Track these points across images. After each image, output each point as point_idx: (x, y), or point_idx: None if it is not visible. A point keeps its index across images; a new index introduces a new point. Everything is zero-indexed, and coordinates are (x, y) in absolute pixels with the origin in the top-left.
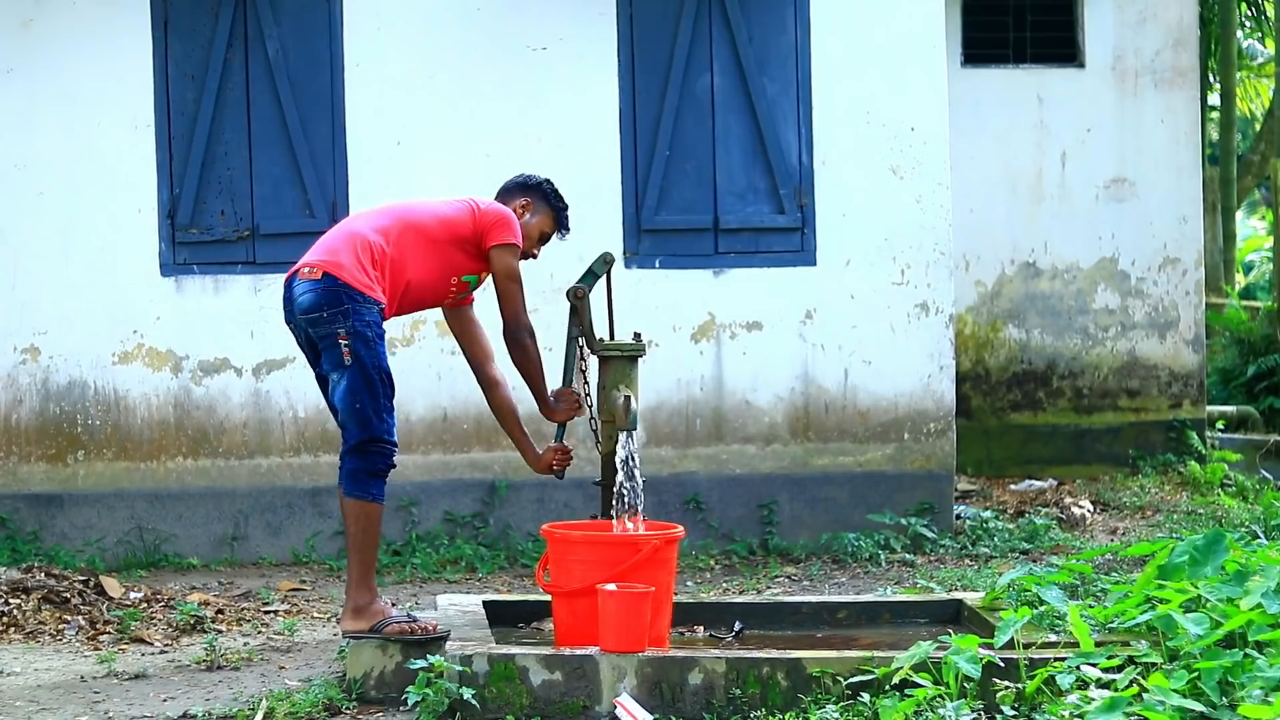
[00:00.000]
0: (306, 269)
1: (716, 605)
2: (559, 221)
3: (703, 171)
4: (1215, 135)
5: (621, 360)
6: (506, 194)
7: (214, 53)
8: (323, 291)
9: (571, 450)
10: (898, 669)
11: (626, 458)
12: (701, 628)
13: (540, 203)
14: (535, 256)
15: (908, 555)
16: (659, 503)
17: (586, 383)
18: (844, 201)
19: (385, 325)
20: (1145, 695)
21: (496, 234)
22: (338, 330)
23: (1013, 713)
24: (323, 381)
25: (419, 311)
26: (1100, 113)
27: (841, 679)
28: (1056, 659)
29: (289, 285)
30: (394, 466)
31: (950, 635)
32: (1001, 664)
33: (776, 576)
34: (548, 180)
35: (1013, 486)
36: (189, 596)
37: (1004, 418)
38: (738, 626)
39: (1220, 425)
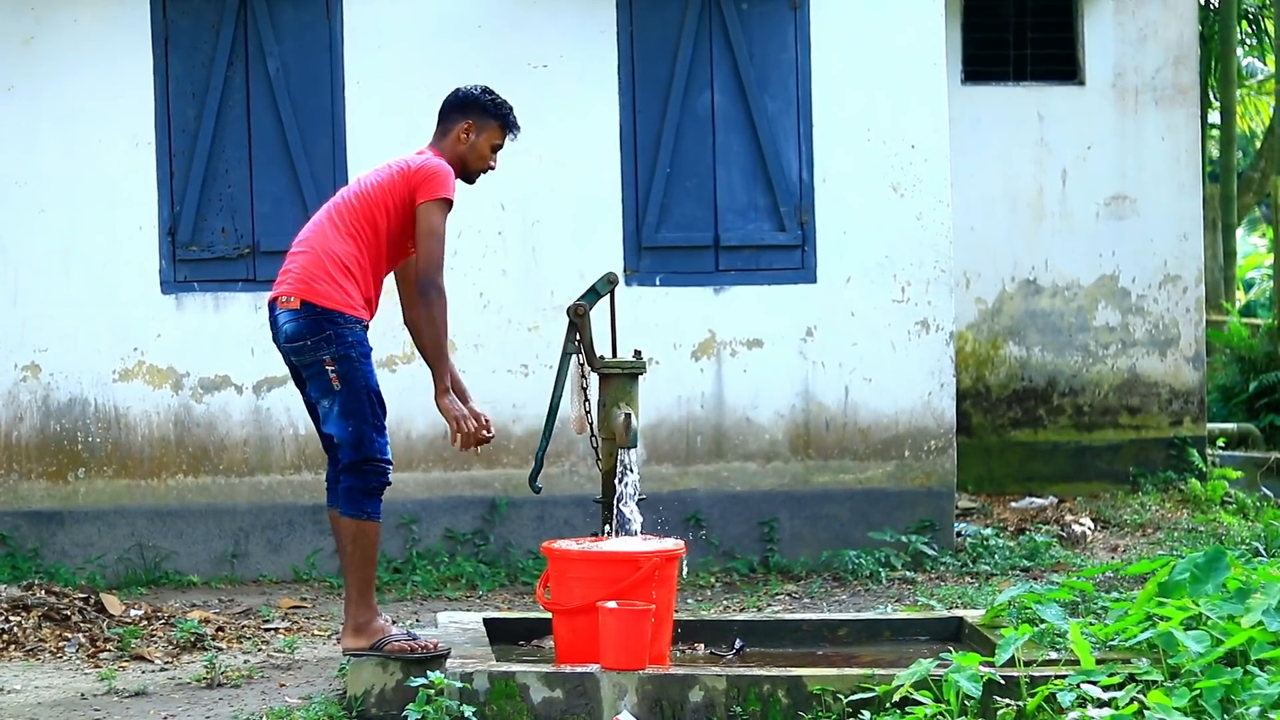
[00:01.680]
0: (284, 298)
1: (717, 623)
2: (506, 126)
3: (703, 189)
4: (1215, 152)
5: (622, 378)
6: (447, 120)
7: (215, 70)
8: (303, 320)
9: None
10: (898, 687)
11: (626, 475)
12: (702, 645)
13: (482, 118)
14: (493, 168)
15: (908, 573)
16: (659, 520)
17: (588, 400)
18: (844, 219)
19: (375, 341)
20: (1146, 713)
21: (425, 191)
22: (323, 357)
23: None
24: (311, 406)
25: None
26: (1101, 130)
27: (842, 697)
28: (1057, 677)
29: (271, 311)
30: (389, 484)
31: (951, 653)
32: (1002, 682)
33: (777, 594)
34: (485, 90)
35: (1013, 504)
36: (189, 614)
37: (1004, 435)
38: (738, 644)
39: (1221, 443)
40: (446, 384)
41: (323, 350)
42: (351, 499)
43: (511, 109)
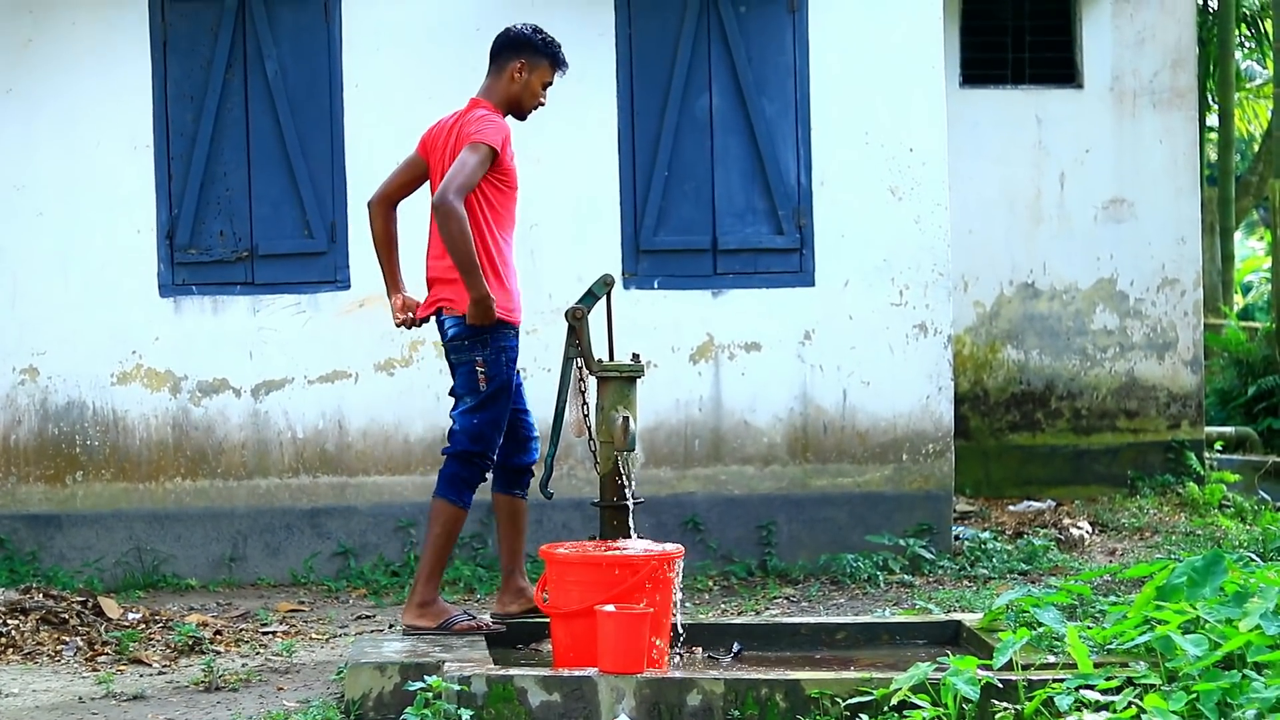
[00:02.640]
0: (449, 306)
1: (715, 626)
2: (556, 63)
3: (701, 192)
4: (1213, 156)
5: (620, 381)
6: (499, 59)
7: (213, 73)
8: (467, 326)
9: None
10: (896, 690)
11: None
12: (700, 649)
13: (535, 56)
14: (543, 104)
15: (906, 576)
16: (658, 523)
17: (585, 404)
18: (842, 222)
19: (373, 346)
20: (1144, 716)
21: (467, 138)
22: (475, 358)
23: None
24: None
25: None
26: (1099, 133)
27: (840, 700)
28: (1055, 680)
29: (438, 316)
30: (485, 480)
31: (949, 656)
32: (1000, 685)
33: (775, 597)
34: (534, 29)
35: (1011, 507)
36: (187, 617)
37: (1002, 438)
38: (736, 647)
39: (1219, 446)
40: (480, 291)
41: (476, 352)
42: (453, 484)
43: (560, 46)
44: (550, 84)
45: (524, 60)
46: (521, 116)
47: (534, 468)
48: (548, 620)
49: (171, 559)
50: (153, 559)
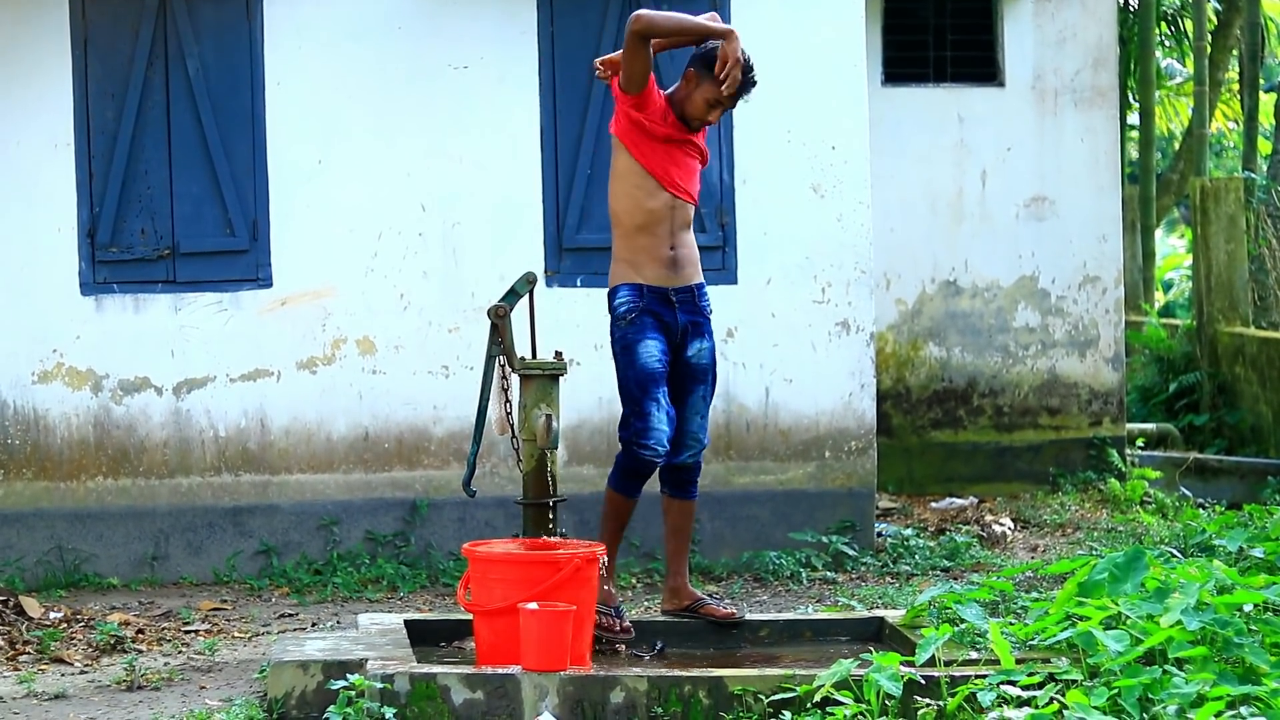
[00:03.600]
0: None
1: (638, 623)
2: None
3: None
4: (1134, 154)
5: (543, 379)
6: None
7: (134, 71)
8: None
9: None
10: (819, 687)
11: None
12: (623, 646)
13: (701, 71)
14: (711, 122)
15: (829, 573)
16: (581, 521)
17: (509, 402)
18: (765, 220)
19: (296, 342)
20: (1065, 712)
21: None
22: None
23: None
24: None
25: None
26: (1020, 132)
27: (763, 697)
28: (977, 676)
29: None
30: (654, 466)
31: (872, 653)
32: (922, 682)
33: None
34: (713, 49)
35: (934, 504)
36: (109, 616)
37: (925, 436)
38: (659, 645)
39: (1140, 443)
40: (716, 29)
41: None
42: (615, 469)
43: (747, 70)
44: (718, 103)
45: (692, 70)
46: (685, 123)
47: (691, 469)
48: (470, 618)
49: (93, 558)
50: (74, 558)
